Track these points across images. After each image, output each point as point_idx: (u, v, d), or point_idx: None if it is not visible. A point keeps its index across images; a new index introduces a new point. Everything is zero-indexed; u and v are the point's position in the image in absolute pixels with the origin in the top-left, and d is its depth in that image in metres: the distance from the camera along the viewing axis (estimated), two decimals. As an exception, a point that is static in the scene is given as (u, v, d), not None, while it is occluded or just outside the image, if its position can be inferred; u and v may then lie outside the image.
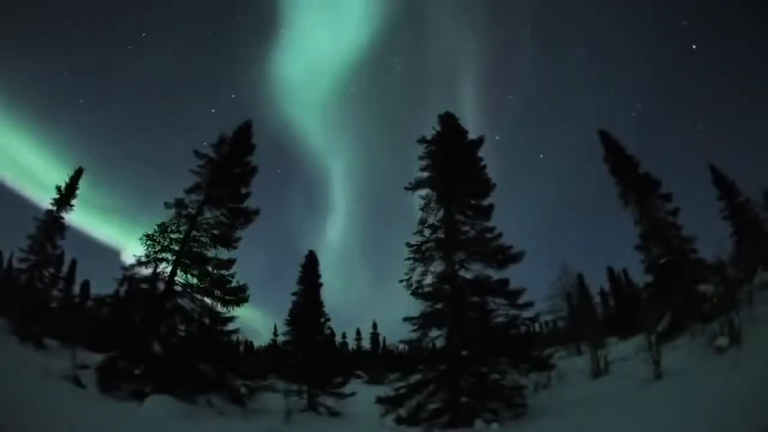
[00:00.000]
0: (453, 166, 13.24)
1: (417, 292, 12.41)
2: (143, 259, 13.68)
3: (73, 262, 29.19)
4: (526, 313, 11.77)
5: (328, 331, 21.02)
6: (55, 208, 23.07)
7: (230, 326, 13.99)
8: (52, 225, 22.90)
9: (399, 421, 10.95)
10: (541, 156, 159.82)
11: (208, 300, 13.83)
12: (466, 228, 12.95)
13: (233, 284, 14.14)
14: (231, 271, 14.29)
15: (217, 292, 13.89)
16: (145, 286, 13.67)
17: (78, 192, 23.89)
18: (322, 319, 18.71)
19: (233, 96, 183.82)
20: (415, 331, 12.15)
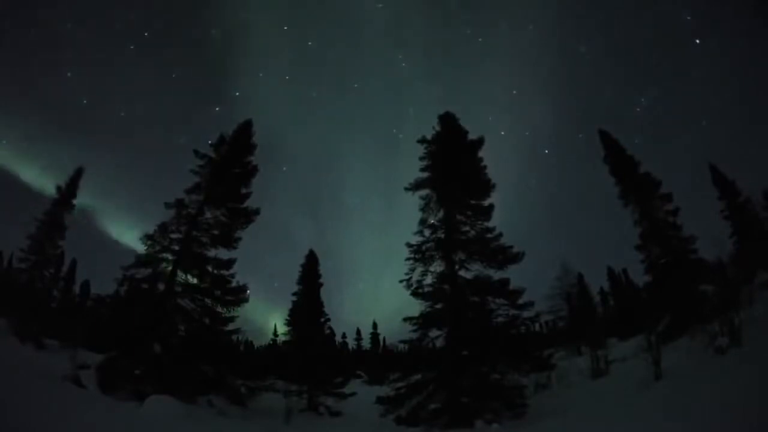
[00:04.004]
0: (453, 166, 13.23)
1: (417, 292, 12.42)
2: (143, 259, 13.69)
3: (73, 262, 29.27)
4: (526, 313, 11.80)
5: (328, 331, 21.01)
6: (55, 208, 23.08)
7: (230, 326, 14.00)
8: (52, 225, 22.89)
9: (399, 421, 10.96)
10: (546, 151, 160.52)
11: (208, 300, 13.84)
12: (466, 228, 12.95)
13: (233, 284, 14.15)
14: (231, 272, 14.30)
15: (217, 293, 13.89)
16: (145, 286, 13.66)
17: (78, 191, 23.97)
18: (322, 319, 18.73)
19: (237, 94, 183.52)
20: (415, 331, 12.16)
